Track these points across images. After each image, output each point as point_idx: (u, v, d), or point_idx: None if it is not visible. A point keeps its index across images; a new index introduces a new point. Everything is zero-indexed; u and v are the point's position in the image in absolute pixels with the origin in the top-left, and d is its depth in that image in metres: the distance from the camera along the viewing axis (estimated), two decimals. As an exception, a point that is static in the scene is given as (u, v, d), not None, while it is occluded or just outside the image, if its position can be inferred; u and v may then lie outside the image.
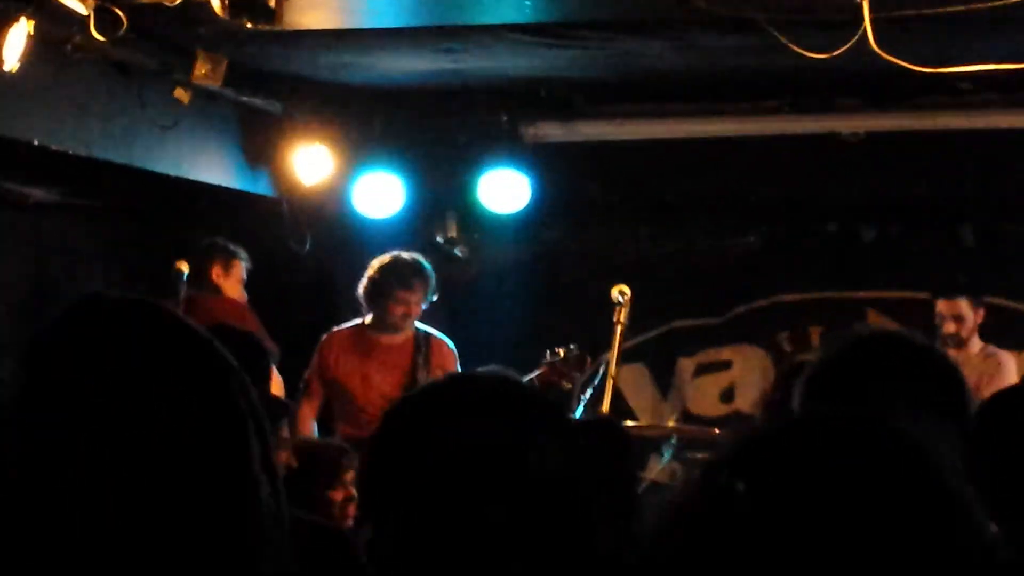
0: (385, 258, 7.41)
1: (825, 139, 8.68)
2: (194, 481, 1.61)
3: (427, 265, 7.41)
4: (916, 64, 6.41)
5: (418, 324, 7.47)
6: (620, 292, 6.82)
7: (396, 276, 7.31)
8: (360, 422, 7.25)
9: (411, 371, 7.35)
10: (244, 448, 1.65)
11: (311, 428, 7.48)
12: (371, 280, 7.35)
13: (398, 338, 7.43)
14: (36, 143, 6.82)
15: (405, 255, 7.42)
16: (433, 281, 7.37)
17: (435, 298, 7.43)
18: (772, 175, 8.89)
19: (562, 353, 7.02)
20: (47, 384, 1.64)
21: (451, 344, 7.52)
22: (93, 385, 1.62)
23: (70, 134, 7.10)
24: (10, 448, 1.62)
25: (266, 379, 4.37)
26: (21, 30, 5.98)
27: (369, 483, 2.05)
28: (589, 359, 7.17)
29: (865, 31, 5.91)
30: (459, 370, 7.33)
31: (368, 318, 7.47)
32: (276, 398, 5.11)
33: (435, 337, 7.48)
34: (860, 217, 9.12)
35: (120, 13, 6.14)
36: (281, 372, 6.95)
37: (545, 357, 7.10)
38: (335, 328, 7.63)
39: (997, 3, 5.83)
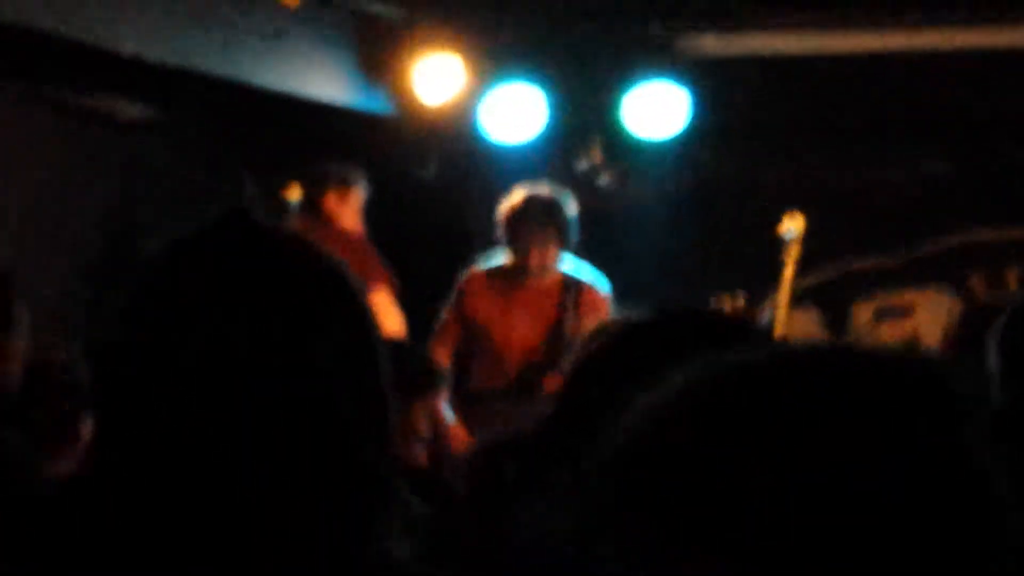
0: (517, 196, 7.02)
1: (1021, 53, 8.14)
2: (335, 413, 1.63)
3: (566, 201, 7.03)
4: None
5: (566, 266, 7.11)
6: (791, 226, 6.52)
7: (529, 218, 6.96)
8: (498, 370, 7.05)
9: (558, 320, 7.03)
10: (381, 392, 1.68)
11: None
12: (504, 223, 7.02)
13: (545, 282, 7.08)
14: (127, 54, 6.72)
15: (541, 191, 7.05)
16: (574, 221, 6.99)
17: (576, 240, 7.04)
18: (967, 94, 8.31)
19: (728, 301, 6.54)
20: (190, 302, 1.63)
21: (604, 288, 7.10)
22: (236, 305, 1.62)
23: (165, 44, 7.03)
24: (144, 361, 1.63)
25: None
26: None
27: None
28: (758, 308, 6.76)
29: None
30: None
31: (512, 257, 7.13)
32: (429, 360, 5.04)
33: (586, 283, 7.09)
34: None
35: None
36: (404, 309, 6.94)
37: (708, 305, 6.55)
38: (477, 266, 7.29)
39: None
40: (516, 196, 7.02)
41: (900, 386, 1.20)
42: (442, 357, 7.04)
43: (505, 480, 5.23)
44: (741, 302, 6.57)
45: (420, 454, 4.88)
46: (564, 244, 6.99)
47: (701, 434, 1.17)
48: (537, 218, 6.95)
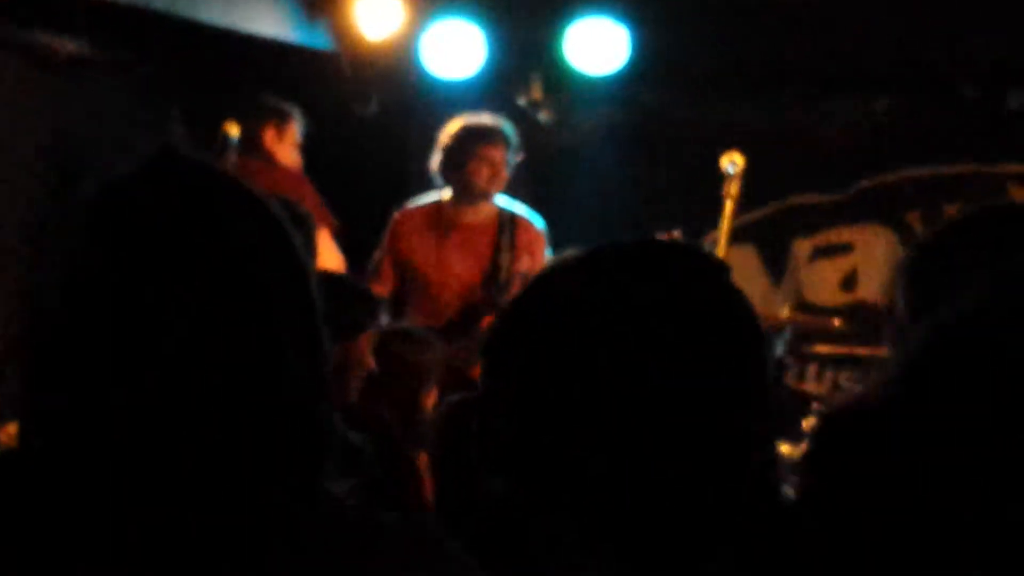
0: (458, 120, 7.00)
1: None
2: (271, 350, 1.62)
3: (508, 127, 7.01)
4: None
5: (501, 202, 7.03)
6: (731, 162, 6.26)
7: (476, 132, 6.90)
8: (434, 309, 6.93)
9: (493, 255, 6.96)
10: (316, 330, 1.67)
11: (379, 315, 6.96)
12: (446, 146, 6.94)
13: (480, 216, 7.01)
14: None
15: (482, 116, 7.03)
16: (516, 138, 6.95)
17: (518, 159, 6.99)
18: (902, 32, 8.16)
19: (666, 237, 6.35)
20: (121, 244, 1.61)
21: (540, 224, 7.06)
22: (168, 248, 1.61)
23: None
24: (69, 304, 1.61)
25: (312, 256, 4.10)
26: None
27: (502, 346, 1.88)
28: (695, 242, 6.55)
29: None
30: (548, 254, 6.90)
31: (446, 193, 7.05)
32: (367, 290, 4.91)
33: (521, 217, 7.03)
34: (1005, 79, 8.33)
35: None
36: (343, 248, 6.77)
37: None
38: (408, 205, 7.22)
39: None
40: (457, 120, 6.96)
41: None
42: (380, 294, 6.93)
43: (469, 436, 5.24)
44: (678, 238, 6.45)
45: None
46: (509, 158, 6.92)
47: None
48: (483, 128, 6.90)
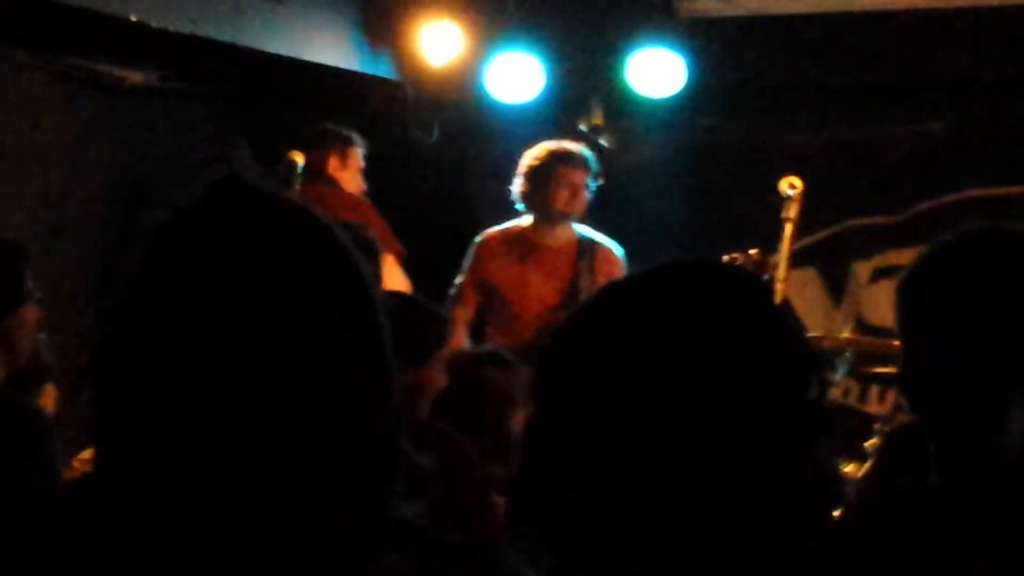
0: (540, 146, 7.09)
1: (1022, 10, 7.93)
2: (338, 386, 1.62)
3: (590, 154, 7.11)
4: None
5: (581, 229, 7.11)
6: (790, 185, 6.33)
7: (556, 156, 7.00)
8: (514, 330, 6.97)
9: (573, 278, 7.02)
10: (383, 351, 1.67)
11: (463, 338, 7.06)
12: (528, 170, 7.02)
13: (560, 239, 7.09)
14: (134, 19, 6.59)
15: (563, 141, 7.15)
16: (596, 163, 7.06)
17: (599, 183, 7.08)
18: (961, 52, 8.13)
19: (740, 257, 6.34)
20: (189, 272, 1.62)
21: (619, 251, 7.11)
22: (235, 276, 1.61)
23: (171, 9, 6.84)
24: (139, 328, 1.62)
25: (378, 280, 4.00)
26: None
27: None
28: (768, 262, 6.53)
29: None
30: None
31: (527, 219, 7.12)
32: (436, 312, 4.87)
33: (601, 244, 7.10)
34: None
35: None
36: (408, 272, 6.83)
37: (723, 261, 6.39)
38: (490, 229, 7.25)
39: None
40: (539, 147, 7.03)
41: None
42: (461, 322, 7.07)
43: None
44: (757, 257, 6.37)
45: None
46: (589, 182, 6.99)
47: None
48: (563, 160, 6.96)
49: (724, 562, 1.74)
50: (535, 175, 6.98)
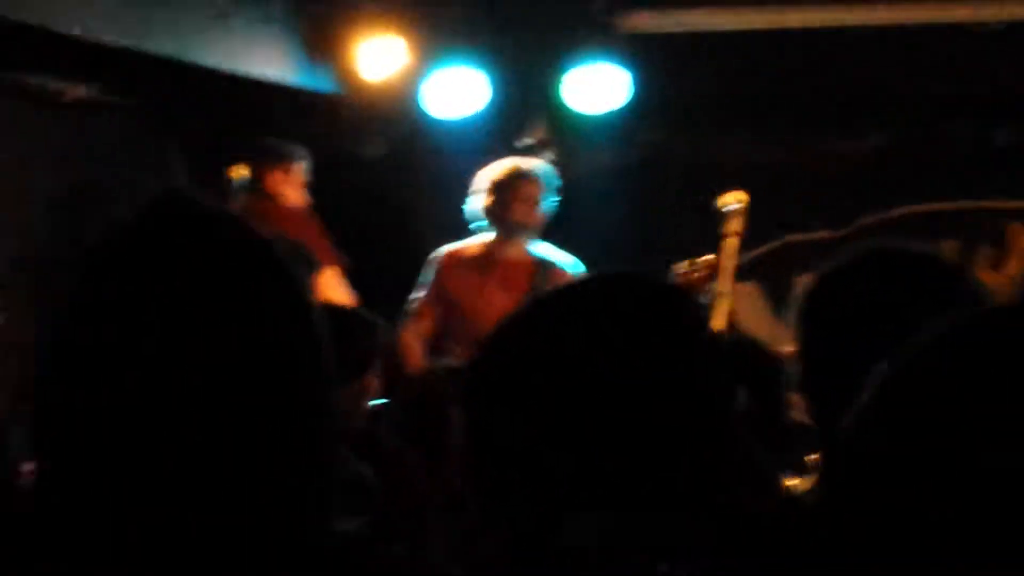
0: (498, 162, 7.16)
1: (958, 29, 8.00)
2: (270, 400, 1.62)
3: (549, 170, 7.20)
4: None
5: (539, 248, 7.18)
6: (736, 199, 6.32)
7: (514, 172, 7.05)
8: (474, 344, 6.71)
9: (532, 293, 6.77)
10: (319, 364, 1.67)
11: (421, 354, 7.12)
12: (492, 183, 7.06)
13: (520, 255, 7.15)
14: (73, 34, 6.54)
15: (524, 158, 7.29)
16: (554, 179, 7.13)
17: (556, 199, 7.13)
18: (898, 69, 8.24)
19: (691, 264, 6.45)
20: (126, 287, 1.62)
21: (576, 268, 7.13)
22: (172, 289, 1.61)
23: (111, 24, 6.79)
24: (77, 342, 1.62)
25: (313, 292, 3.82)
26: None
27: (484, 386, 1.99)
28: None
29: None
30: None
31: (486, 235, 7.17)
32: (373, 321, 4.87)
33: (557, 265, 7.16)
34: (997, 118, 8.41)
35: None
36: (350, 284, 6.89)
37: (678, 266, 6.51)
38: (449, 245, 7.27)
39: None
40: (497, 164, 7.07)
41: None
42: (420, 338, 7.11)
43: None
44: (712, 262, 6.42)
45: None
46: (545, 196, 7.03)
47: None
48: (520, 175, 7.01)
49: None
50: (496, 190, 7.03)
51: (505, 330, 2.06)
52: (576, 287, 2.06)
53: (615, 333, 1.92)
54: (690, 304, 2.06)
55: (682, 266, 6.45)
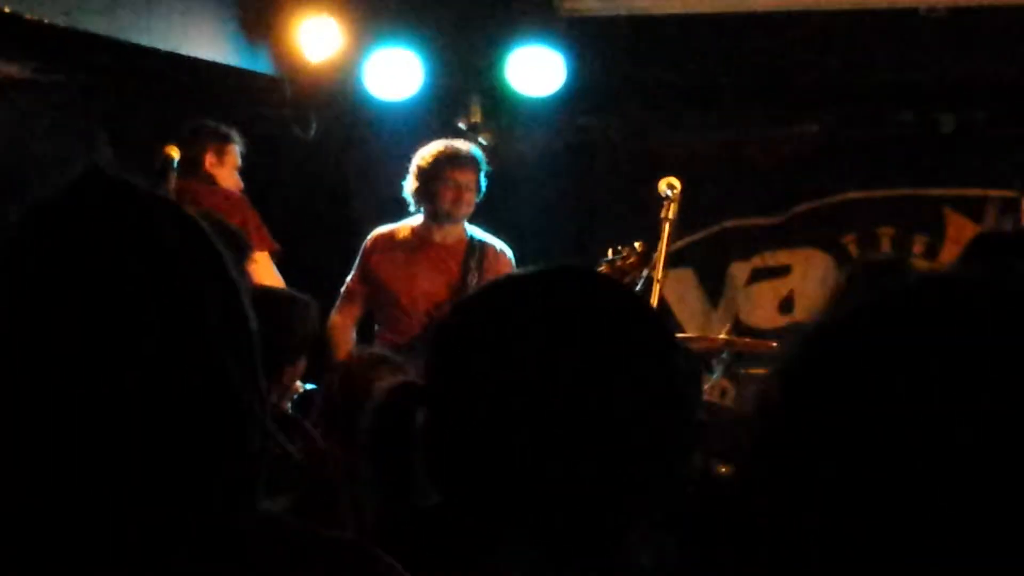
0: (430, 146, 7.03)
1: (900, 14, 7.99)
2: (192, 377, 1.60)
3: (480, 155, 7.07)
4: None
5: (472, 230, 7.10)
6: (669, 185, 6.25)
7: (445, 157, 6.94)
8: (403, 326, 6.98)
9: (462, 275, 7.01)
10: (251, 350, 1.67)
11: (350, 338, 7.07)
12: (419, 168, 6.97)
13: (451, 238, 7.07)
14: (7, 11, 6.47)
15: (455, 141, 7.10)
16: (485, 165, 7.01)
17: (485, 185, 7.04)
18: (838, 56, 8.21)
19: (625, 252, 6.37)
20: (46, 265, 1.60)
21: (510, 253, 7.08)
22: (94, 267, 1.59)
23: (45, 1, 6.72)
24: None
25: (243, 273, 3.72)
26: None
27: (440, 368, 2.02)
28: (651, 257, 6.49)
29: None
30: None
31: (418, 218, 7.10)
32: (303, 301, 4.81)
33: (491, 245, 7.09)
34: (938, 104, 8.39)
35: None
36: (282, 270, 6.80)
37: (606, 255, 6.44)
38: (379, 228, 7.21)
39: None
40: (429, 147, 6.98)
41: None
42: (349, 321, 7.08)
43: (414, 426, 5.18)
44: (642, 248, 6.38)
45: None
46: (478, 184, 6.97)
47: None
48: (452, 161, 6.92)
49: (603, 535, 1.91)
50: (423, 175, 6.96)
51: (465, 311, 2.07)
52: (534, 276, 2.05)
53: (565, 321, 1.94)
54: (632, 297, 2.11)
55: (612, 255, 6.42)
